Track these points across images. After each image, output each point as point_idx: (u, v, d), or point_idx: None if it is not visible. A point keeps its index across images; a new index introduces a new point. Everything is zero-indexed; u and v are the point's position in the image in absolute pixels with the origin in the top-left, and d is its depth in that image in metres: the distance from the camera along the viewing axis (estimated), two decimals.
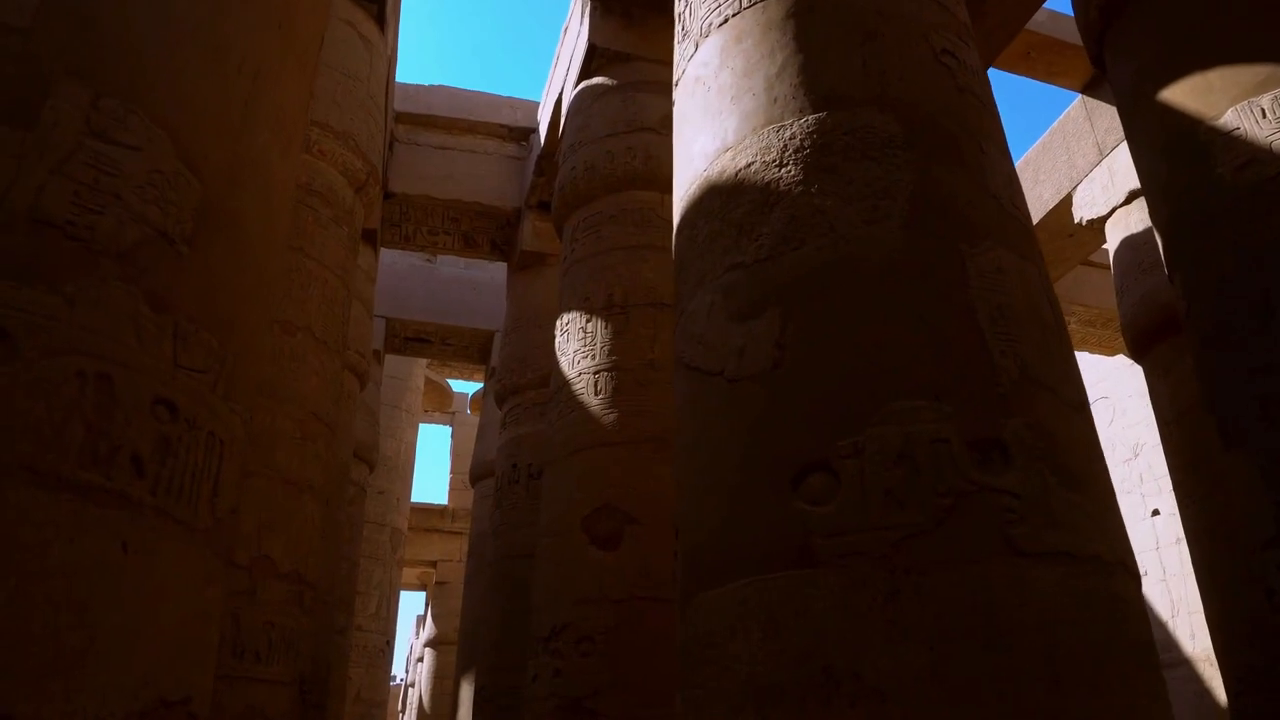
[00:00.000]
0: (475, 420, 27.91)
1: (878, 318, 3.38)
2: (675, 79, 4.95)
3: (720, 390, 3.63)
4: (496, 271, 16.70)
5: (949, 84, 4.03)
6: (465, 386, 29.47)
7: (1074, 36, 11.44)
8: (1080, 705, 2.74)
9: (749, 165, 3.96)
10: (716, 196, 4.08)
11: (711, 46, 4.47)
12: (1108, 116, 11.72)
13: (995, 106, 4.29)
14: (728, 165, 4.06)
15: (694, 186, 4.29)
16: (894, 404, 3.17)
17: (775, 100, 4.01)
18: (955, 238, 3.56)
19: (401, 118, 13.00)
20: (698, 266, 4.07)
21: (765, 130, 3.97)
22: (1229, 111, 5.40)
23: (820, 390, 3.32)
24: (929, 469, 3.04)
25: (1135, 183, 11.14)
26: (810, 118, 3.88)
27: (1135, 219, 11.02)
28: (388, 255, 15.92)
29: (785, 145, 3.87)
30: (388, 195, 12.58)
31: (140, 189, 2.93)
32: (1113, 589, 2.99)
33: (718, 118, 4.24)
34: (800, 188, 3.74)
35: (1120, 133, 11.49)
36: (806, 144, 3.83)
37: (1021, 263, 3.65)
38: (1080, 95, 12.10)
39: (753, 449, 3.39)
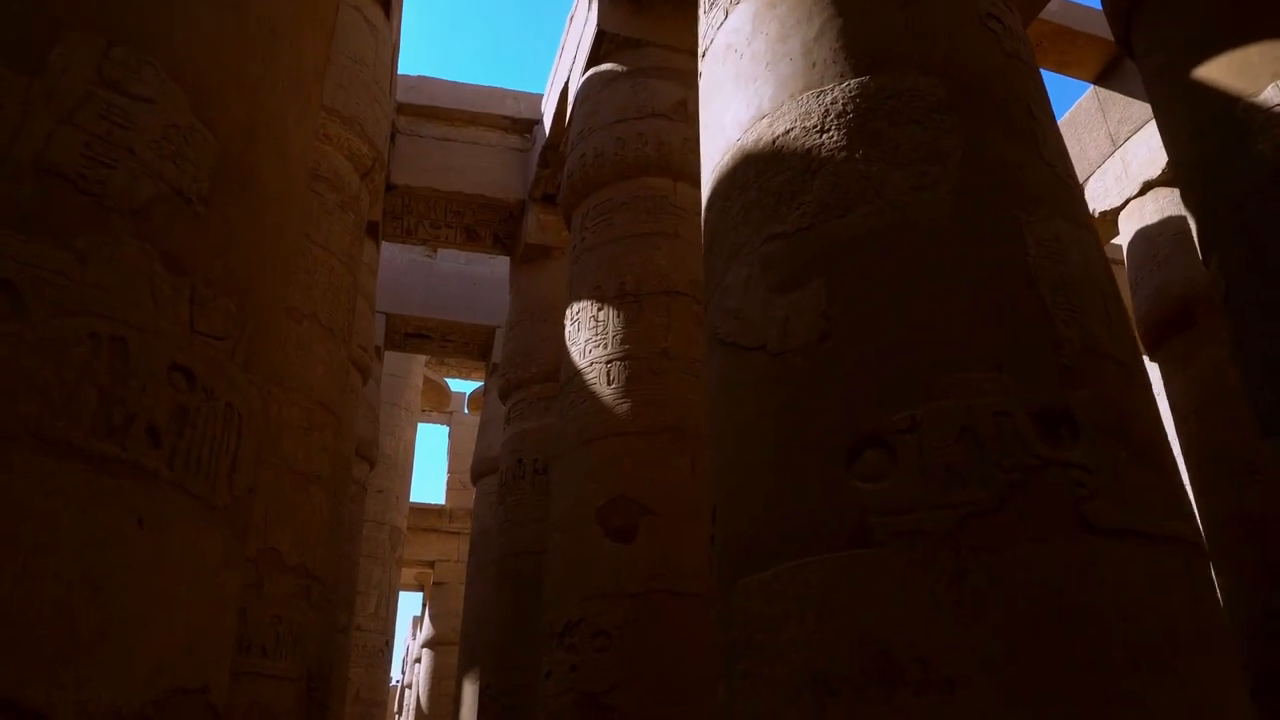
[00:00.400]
0: (473, 420, 27.72)
1: (932, 286, 3.20)
2: (702, 50, 4.77)
3: (761, 365, 3.45)
4: (498, 267, 16.51)
5: (995, 48, 3.86)
6: (463, 386, 29.30)
7: (1087, 25, 11.30)
8: (1160, 691, 2.56)
9: (787, 132, 3.78)
10: (752, 166, 3.90)
11: (743, 12, 4.30)
12: (1120, 107, 11.58)
13: (1040, 74, 4.13)
14: (764, 133, 3.89)
15: (726, 157, 4.11)
16: (953, 376, 3.00)
17: (814, 65, 3.84)
18: (1010, 205, 3.39)
19: (403, 109, 12.81)
20: (732, 239, 3.89)
21: (804, 96, 3.80)
22: (1269, 87, 5.24)
23: (872, 362, 3.14)
24: (992, 443, 2.87)
25: (1150, 173, 11.00)
26: (852, 82, 3.71)
27: (1150, 210, 10.88)
28: (388, 250, 15.73)
29: (826, 110, 3.70)
30: (389, 187, 12.38)
31: (155, 144, 2.74)
32: (1191, 570, 2.82)
33: (751, 85, 4.07)
34: (844, 153, 3.57)
35: (1134, 123, 11.35)
36: (849, 109, 3.65)
37: (1078, 231, 3.48)
38: (1092, 86, 11.95)
39: (800, 425, 3.21)
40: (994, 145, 3.54)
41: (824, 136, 3.65)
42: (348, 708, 15.82)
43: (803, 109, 3.77)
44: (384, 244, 14.83)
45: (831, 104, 3.70)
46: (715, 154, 4.28)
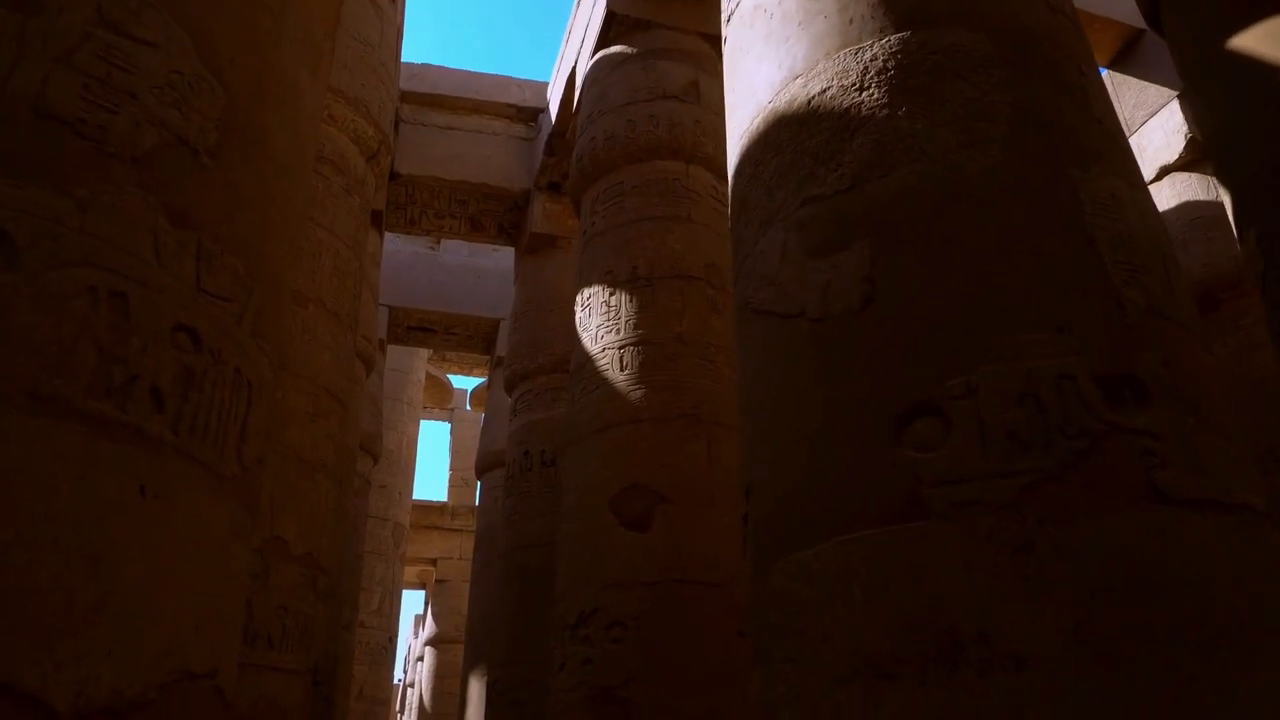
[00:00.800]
0: (475, 416, 27.54)
1: (985, 246, 3.02)
2: (726, 14, 4.59)
3: (800, 333, 3.26)
4: (502, 259, 16.31)
5: (1040, 3, 3.68)
6: (465, 382, 29.14)
7: (1101, 9, 11.11)
8: (1240, 668, 2.38)
9: (824, 91, 3.59)
10: (785, 128, 3.71)
11: None
12: (1135, 92, 11.39)
13: (1084, 31, 3.94)
14: (798, 94, 3.70)
15: (756, 121, 3.92)
16: (1010, 338, 2.81)
17: (851, 21, 3.65)
18: (1064, 162, 3.20)
19: (407, 97, 12.61)
20: (764, 205, 3.70)
21: (841, 54, 3.61)
22: None
23: (922, 325, 2.95)
24: (1055, 408, 2.68)
25: (1166, 159, 10.81)
26: (892, 38, 3.52)
27: (1166, 195, 10.69)
28: (391, 242, 15.55)
29: (865, 68, 3.51)
30: (393, 176, 12.19)
31: (158, 90, 2.56)
32: (1269, 540, 2.63)
33: (783, 45, 3.88)
34: (885, 111, 3.38)
35: (1149, 108, 11.16)
36: (890, 65, 3.46)
37: (1133, 190, 3.29)
38: (1106, 70, 11.76)
39: (844, 394, 3.02)
40: (1044, 102, 3.35)
41: (863, 95, 3.46)
42: (351, 705, 15.63)
43: (840, 67, 3.59)
44: (387, 236, 14.65)
45: (871, 61, 3.51)
46: (744, 119, 4.09)
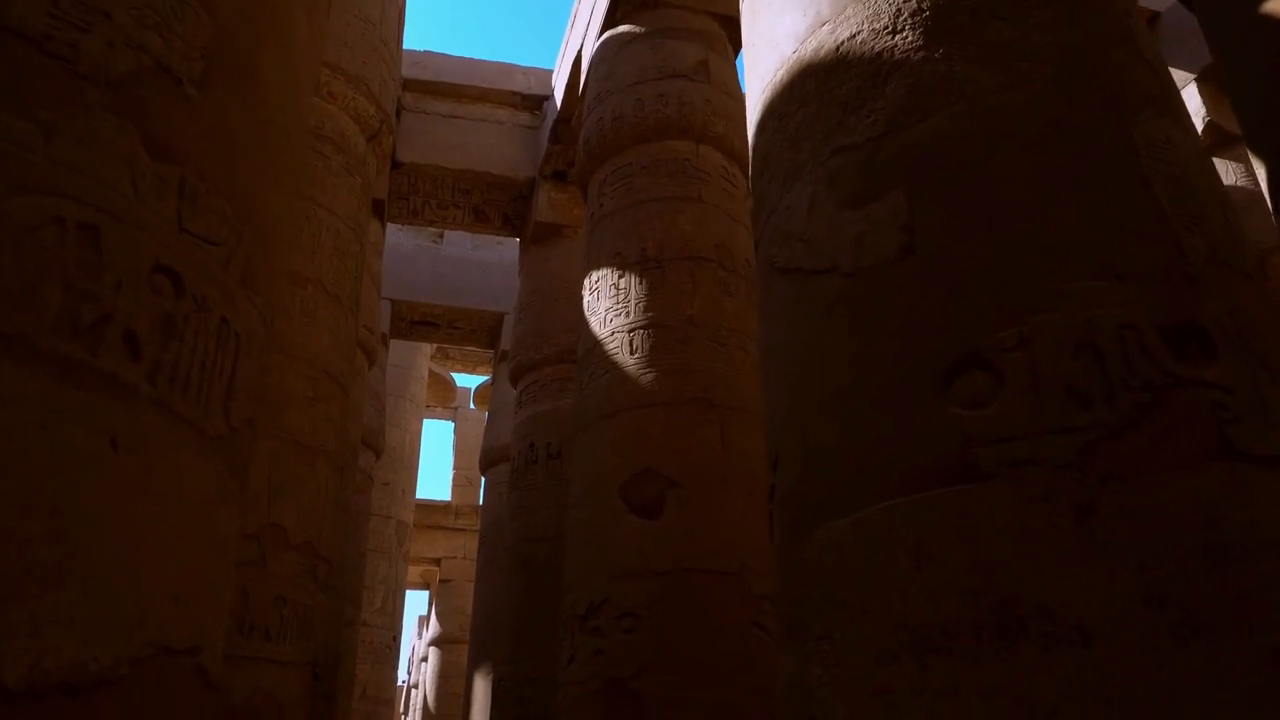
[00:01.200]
0: (479, 415, 27.33)
1: (1033, 190, 2.79)
2: None
3: (832, 289, 3.04)
4: (506, 252, 16.11)
5: None
6: (469, 381, 28.93)
7: None
8: None
9: (853, 37, 3.37)
10: (812, 77, 3.49)
11: None
12: None
13: None
14: (825, 41, 3.47)
15: (780, 73, 3.70)
16: (1065, 286, 2.59)
17: None
18: (1113, 104, 2.97)
19: (409, 85, 12.40)
20: (789, 159, 3.48)
21: None
22: None
23: (967, 275, 2.73)
24: (1116, 360, 2.45)
25: None
26: None
27: None
28: (393, 235, 15.34)
29: (898, 10, 3.28)
30: (395, 165, 11.98)
31: (136, 10, 2.34)
32: None
33: None
34: (921, 54, 3.16)
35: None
36: (924, 6, 3.24)
37: (1186, 135, 3.06)
38: None
39: (882, 350, 2.80)
40: (1090, 42, 3.12)
41: (897, 38, 3.24)
42: (354, 705, 15.41)
43: (870, 10, 3.36)
44: (390, 228, 14.44)
45: (904, 3, 3.29)
46: (766, 72, 3.87)
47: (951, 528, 2.42)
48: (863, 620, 2.49)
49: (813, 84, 3.48)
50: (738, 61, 9.20)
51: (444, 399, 28.15)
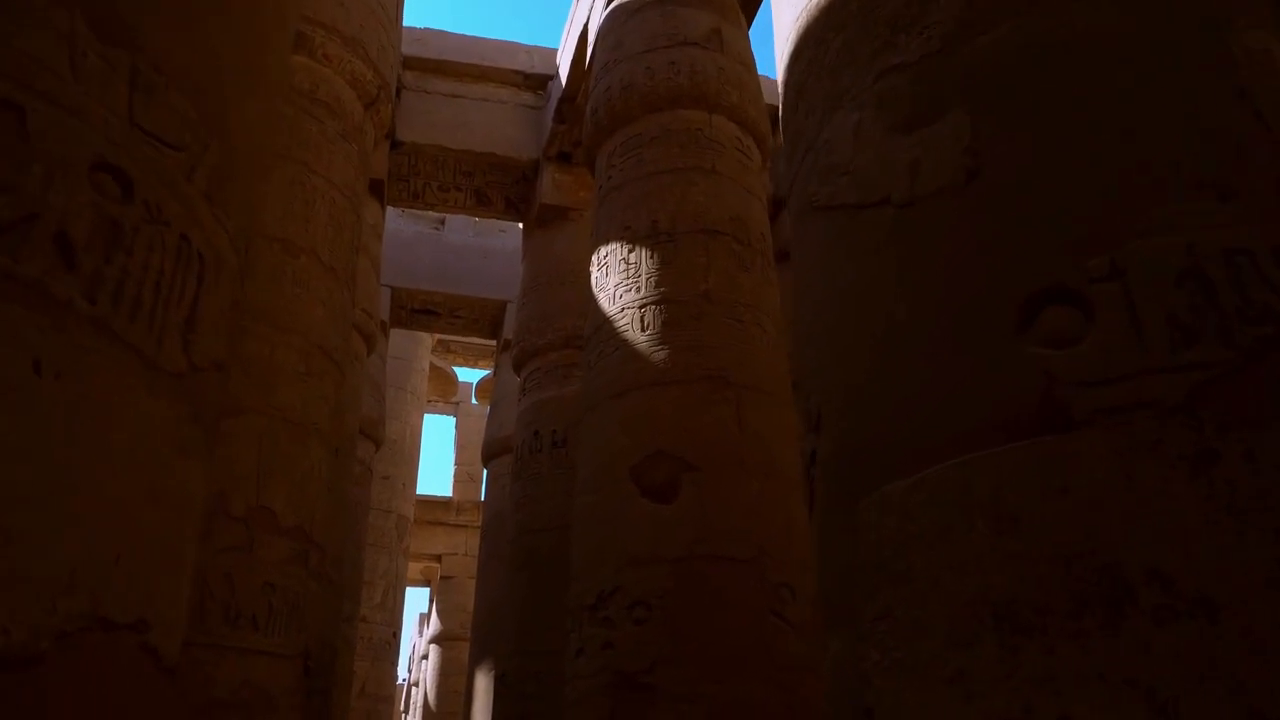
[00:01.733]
0: (481, 410, 27.01)
1: (1120, 105, 2.43)
2: None
3: (884, 222, 2.68)
4: (508, 239, 15.77)
5: None
6: (470, 375, 28.63)
7: None
8: None
9: None
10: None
11: None
12: None
13: None
14: None
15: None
16: (1161, 208, 2.23)
17: None
18: (1203, 12, 2.61)
19: (409, 63, 12.05)
20: (828, 88, 3.12)
21: None
22: None
23: (1045, 200, 2.37)
24: (1228, 288, 2.09)
25: None
26: None
27: None
28: (394, 222, 15.00)
29: None
30: (395, 145, 11.63)
31: None
32: None
33: None
34: None
35: None
36: None
37: None
38: None
39: (946, 288, 2.44)
40: None
41: None
42: (353, 702, 15.06)
43: None
44: (389, 215, 14.10)
45: None
46: (799, 3, 3.51)
47: (1038, 484, 2.06)
48: (932, 595, 2.13)
49: (853, 6, 3.12)
50: (750, 34, 8.84)
51: (445, 393, 27.82)
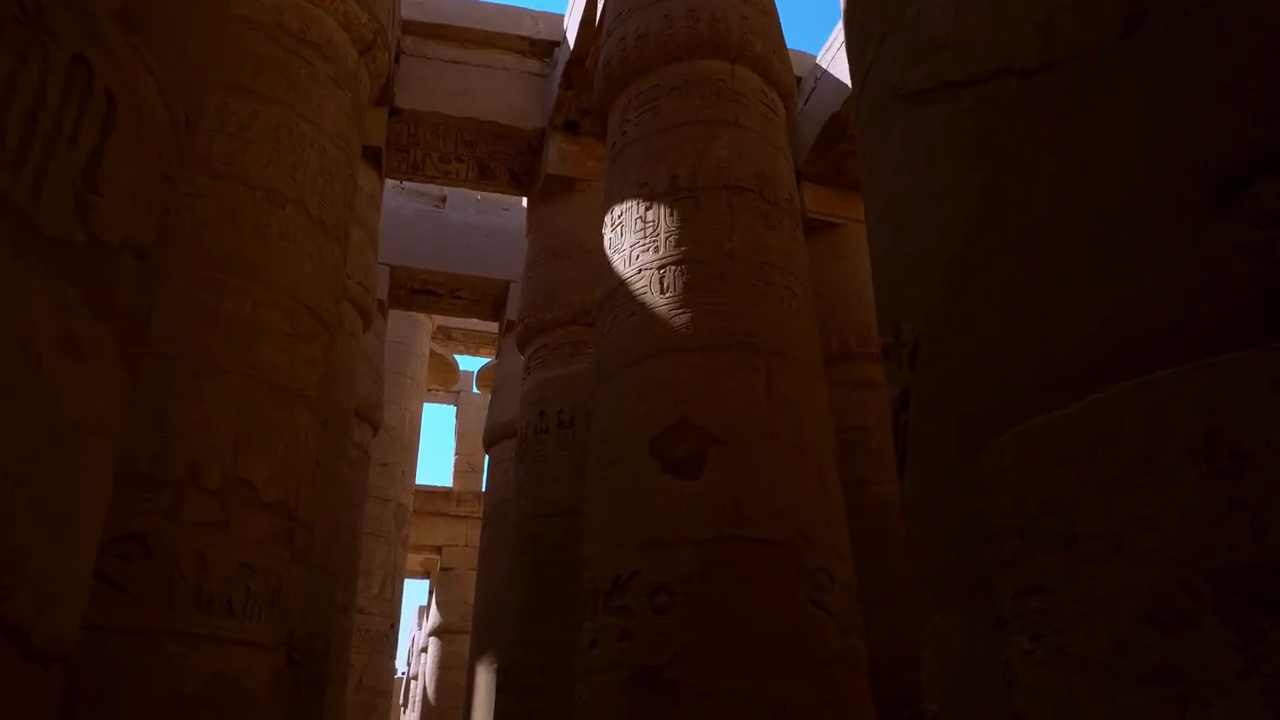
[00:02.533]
0: (482, 399, 26.50)
1: None
2: None
3: (1004, 96, 2.11)
4: (511, 218, 15.20)
5: None
6: (472, 364, 28.09)
7: None
8: None
9: None
10: None
11: None
12: None
13: None
14: None
15: None
16: None
17: None
18: None
19: (408, 27, 11.47)
20: None
21: None
22: None
23: (1241, 48, 1.78)
24: None
25: None
26: None
27: None
28: (393, 199, 14.42)
29: None
30: (394, 112, 11.05)
31: None
32: None
33: None
34: None
35: None
36: None
37: None
38: None
39: (1104, 166, 1.86)
40: None
41: None
42: (349, 696, 14.50)
43: None
44: (388, 192, 13.54)
45: None
46: None
47: (1271, 408, 1.48)
48: (1113, 562, 1.56)
49: None
50: None
51: (446, 381, 27.28)
